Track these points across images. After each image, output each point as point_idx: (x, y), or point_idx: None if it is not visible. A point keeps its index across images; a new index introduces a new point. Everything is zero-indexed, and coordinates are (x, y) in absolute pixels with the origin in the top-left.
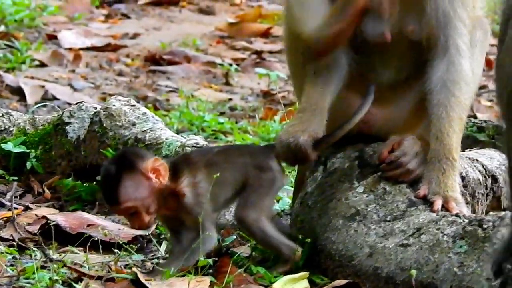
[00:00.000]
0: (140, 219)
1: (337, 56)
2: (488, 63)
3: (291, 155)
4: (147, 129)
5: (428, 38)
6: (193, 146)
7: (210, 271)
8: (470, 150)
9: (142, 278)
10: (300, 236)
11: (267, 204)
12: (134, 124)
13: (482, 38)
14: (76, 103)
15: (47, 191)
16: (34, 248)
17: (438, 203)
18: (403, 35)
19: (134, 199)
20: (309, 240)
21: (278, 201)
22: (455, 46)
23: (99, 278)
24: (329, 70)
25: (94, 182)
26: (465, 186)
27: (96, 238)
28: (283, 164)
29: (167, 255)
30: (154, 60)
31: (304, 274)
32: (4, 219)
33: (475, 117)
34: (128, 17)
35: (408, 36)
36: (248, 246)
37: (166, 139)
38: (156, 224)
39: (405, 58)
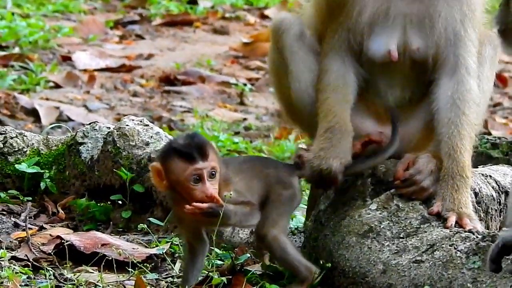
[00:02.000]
0: (209, 187)
1: (347, 75)
2: (502, 80)
3: (321, 180)
4: None
5: (436, 57)
6: None
7: None
8: (483, 167)
9: None
10: (314, 255)
11: (286, 221)
12: (147, 144)
13: (492, 53)
14: (90, 123)
15: (61, 211)
16: (48, 268)
17: (452, 220)
18: (408, 54)
19: (218, 161)
20: (324, 261)
21: (292, 219)
22: (464, 65)
23: None
24: (346, 87)
25: (108, 202)
26: (478, 203)
27: (111, 258)
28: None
29: (181, 274)
30: (168, 81)
31: None
32: (19, 239)
33: (489, 134)
34: (143, 38)
35: (413, 55)
36: (261, 264)
37: None
38: (170, 243)
39: (409, 77)
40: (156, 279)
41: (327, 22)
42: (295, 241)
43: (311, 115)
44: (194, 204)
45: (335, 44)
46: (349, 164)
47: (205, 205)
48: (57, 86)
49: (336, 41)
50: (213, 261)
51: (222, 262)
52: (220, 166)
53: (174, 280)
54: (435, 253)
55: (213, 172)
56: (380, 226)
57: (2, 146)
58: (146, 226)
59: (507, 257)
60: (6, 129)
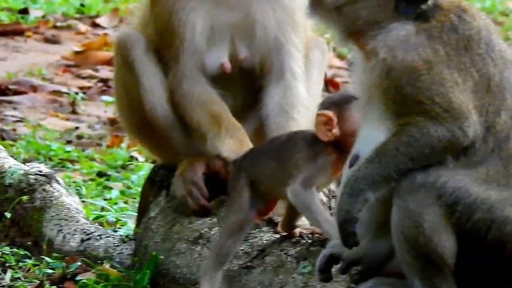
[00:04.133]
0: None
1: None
2: (335, 85)
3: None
4: None
5: (262, 64)
6: (36, 174)
7: None
8: None
9: None
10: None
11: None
12: None
13: (320, 58)
14: None
15: None
16: None
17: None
18: (237, 64)
19: None
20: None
21: (122, 226)
22: (290, 70)
23: None
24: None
25: None
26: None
27: None
28: None
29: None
30: (1, 91)
31: None
32: None
33: None
34: None
35: (241, 64)
36: (93, 272)
37: (9, 167)
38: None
39: (242, 85)
40: None
41: (167, 46)
42: (126, 248)
43: (165, 125)
44: None
45: (185, 67)
46: None
47: None
48: None
49: (184, 63)
50: (43, 270)
51: (53, 271)
52: None
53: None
54: (265, 258)
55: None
56: (210, 232)
57: None
58: None
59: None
60: None
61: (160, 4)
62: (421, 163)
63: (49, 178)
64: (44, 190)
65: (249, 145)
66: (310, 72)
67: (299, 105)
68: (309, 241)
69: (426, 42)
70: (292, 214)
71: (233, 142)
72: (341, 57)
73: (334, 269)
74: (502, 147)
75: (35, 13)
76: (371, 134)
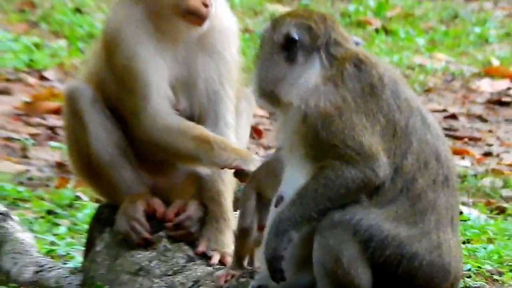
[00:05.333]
0: None
1: None
2: (257, 132)
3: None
4: None
5: (199, 114)
6: None
7: None
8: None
9: None
10: None
11: None
12: None
13: (247, 107)
14: None
15: None
16: None
17: (216, 258)
18: (179, 114)
19: None
20: None
21: (71, 260)
22: (223, 120)
23: None
24: None
25: None
26: None
27: None
28: None
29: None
30: None
31: None
32: None
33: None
34: None
35: (182, 114)
36: None
37: None
38: None
39: None
40: None
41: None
42: (75, 279)
43: (110, 168)
44: None
45: (157, 105)
46: None
47: None
48: None
49: (155, 102)
50: None
51: None
52: None
53: None
54: None
55: None
56: (150, 265)
57: None
58: None
59: None
60: None
61: (118, 56)
62: (338, 203)
63: (5, 215)
64: (1, 226)
65: (246, 151)
66: (238, 120)
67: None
68: (239, 272)
69: (334, 90)
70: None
71: (232, 153)
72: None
73: None
74: (409, 188)
75: None
76: (294, 177)
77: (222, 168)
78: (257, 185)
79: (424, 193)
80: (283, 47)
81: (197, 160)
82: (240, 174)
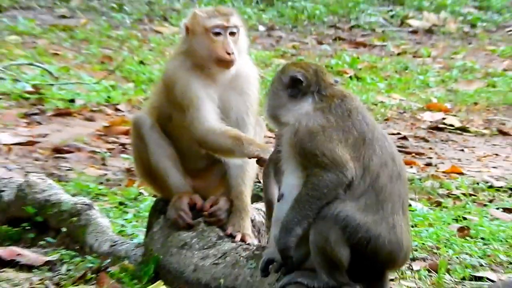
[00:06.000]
0: None
1: None
2: None
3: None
4: None
5: None
6: (81, 204)
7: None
8: (257, 203)
9: (51, 286)
10: (150, 260)
11: None
12: (44, 191)
13: (260, 130)
14: (8, 178)
15: None
16: None
17: (238, 237)
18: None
19: None
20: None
21: (136, 238)
22: None
23: None
24: None
25: (20, 228)
26: (253, 226)
27: (22, 262)
28: None
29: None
30: (58, 151)
31: (160, 282)
32: None
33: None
34: (41, 124)
35: None
36: (118, 266)
37: (64, 199)
38: (59, 254)
39: None
40: (51, 276)
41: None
42: (139, 251)
43: (164, 174)
44: None
45: (206, 117)
46: None
47: None
48: None
49: (204, 114)
50: (86, 264)
51: (92, 265)
52: None
53: (63, 276)
54: (227, 258)
55: None
56: (191, 241)
57: None
58: (44, 243)
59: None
60: None
61: (176, 90)
62: (324, 200)
63: (89, 206)
64: (86, 214)
65: (265, 144)
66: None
67: (250, 162)
68: (254, 247)
69: (322, 115)
70: None
71: (256, 146)
72: (271, 130)
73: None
74: (375, 182)
75: (79, 101)
76: (290, 180)
77: (249, 158)
78: (272, 165)
79: (385, 186)
80: (287, 86)
81: (232, 153)
82: (260, 160)
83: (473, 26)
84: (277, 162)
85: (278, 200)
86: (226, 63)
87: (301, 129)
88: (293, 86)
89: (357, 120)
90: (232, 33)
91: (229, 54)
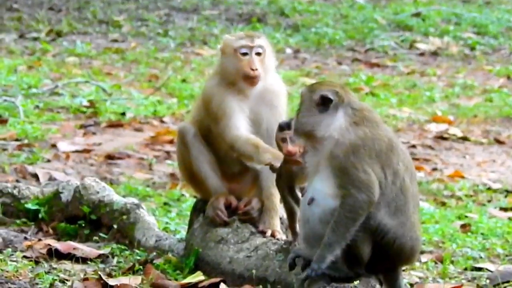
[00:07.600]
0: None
1: None
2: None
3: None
4: None
5: None
6: (130, 203)
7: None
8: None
9: (103, 277)
10: (191, 253)
11: None
12: (98, 192)
13: None
14: (66, 181)
15: (51, 230)
16: (43, 262)
17: (269, 233)
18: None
19: None
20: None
21: (178, 233)
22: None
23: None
24: None
25: (77, 225)
26: (282, 223)
27: (78, 255)
28: None
29: (117, 264)
30: (110, 157)
31: (199, 273)
32: (28, 245)
33: None
34: (95, 134)
35: None
36: (163, 258)
37: (115, 200)
38: (111, 247)
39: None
40: (103, 267)
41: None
42: (181, 245)
43: (205, 177)
44: None
45: (235, 125)
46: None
47: None
48: (48, 161)
49: (234, 123)
50: (135, 257)
51: (140, 258)
52: None
53: (113, 268)
54: (258, 251)
55: None
56: (227, 236)
57: (17, 194)
58: (98, 238)
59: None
60: (19, 185)
61: (213, 104)
62: (359, 222)
63: (137, 206)
64: (135, 212)
65: (280, 154)
66: None
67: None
68: (282, 242)
69: (358, 128)
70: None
71: (270, 154)
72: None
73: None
74: (402, 184)
75: (129, 115)
76: (321, 186)
77: (263, 164)
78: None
79: (409, 188)
80: (318, 104)
81: (251, 159)
82: (272, 167)
83: (473, 49)
84: (291, 180)
85: (309, 204)
86: (251, 79)
87: (343, 142)
88: (323, 104)
89: (384, 129)
90: (258, 53)
91: (253, 70)
